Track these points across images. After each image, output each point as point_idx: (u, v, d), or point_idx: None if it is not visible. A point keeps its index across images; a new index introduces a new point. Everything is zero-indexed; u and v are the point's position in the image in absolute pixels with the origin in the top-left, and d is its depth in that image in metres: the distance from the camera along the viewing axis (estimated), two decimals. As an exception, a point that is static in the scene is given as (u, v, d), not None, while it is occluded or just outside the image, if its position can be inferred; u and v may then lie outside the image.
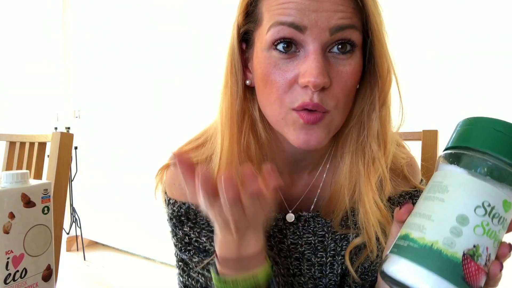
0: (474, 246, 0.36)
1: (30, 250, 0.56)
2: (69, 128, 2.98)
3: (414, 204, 0.41)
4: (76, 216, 2.95)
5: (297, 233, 0.60)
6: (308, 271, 0.60)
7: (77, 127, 3.09)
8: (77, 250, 3.04)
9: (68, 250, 3.10)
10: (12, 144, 1.14)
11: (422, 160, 0.84)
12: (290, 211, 0.60)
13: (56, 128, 2.99)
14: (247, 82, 0.55)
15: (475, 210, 0.36)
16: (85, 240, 3.05)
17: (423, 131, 0.86)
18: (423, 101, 1.72)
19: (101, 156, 3.02)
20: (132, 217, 2.81)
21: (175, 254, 0.63)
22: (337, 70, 0.48)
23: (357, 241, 0.58)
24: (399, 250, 0.38)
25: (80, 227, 2.96)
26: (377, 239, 0.55)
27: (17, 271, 0.54)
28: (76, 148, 2.88)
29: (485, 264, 0.36)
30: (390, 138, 0.55)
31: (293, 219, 0.60)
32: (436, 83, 1.70)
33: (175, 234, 0.62)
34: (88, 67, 3.08)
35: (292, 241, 0.60)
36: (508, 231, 0.38)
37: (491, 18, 1.58)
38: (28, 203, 0.55)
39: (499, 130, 0.36)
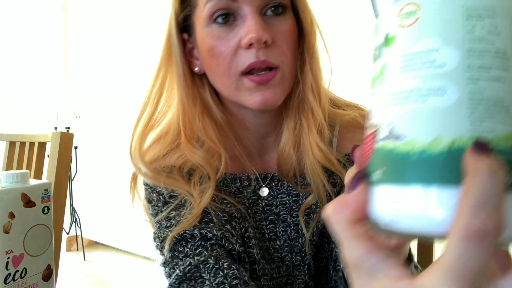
0: None
1: (30, 250, 0.56)
2: (69, 128, 2.98)
3: None
4: (76, 216, 2.95)
5: (271, 193, 0.61)
6: (283, 233, 0.60)
7: (77, 127, 3.09)
8: (77, 250, 3.04)
9: (68, 250, 3.10)
10: (12, 144, 1.14)
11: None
12: (263, 185, 0.62)
13: (56, 128, 2.99)
14: (196, 69, 0.59)
15: None
16: (85, 240, 3.05)
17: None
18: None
19: (101, 156, 3.02)
20: (132, 217, 2.81)
21: (157, 245, 0.57)
22: (276, 30, 0.53)
23: (309, 200, 0.59)
24: None
25: (80, 227, 2.96)
26: (329, 195, 0.57)
27: (17, 271, 0.54)
28: (76, 148, 2.88)
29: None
30: (323, 89, 0.60)
31: (266, 193, 0.62)
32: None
33: (157, 210, 0.58)
34: (88, 67, 3.08)
35: (266, 202, 0.61)
36: None
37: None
38: (28, 203, 0.55)
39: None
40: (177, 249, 0.54)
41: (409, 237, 0.23)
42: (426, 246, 0.81)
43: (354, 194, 0.23)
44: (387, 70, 0.24)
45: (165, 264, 0.55)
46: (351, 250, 0.22)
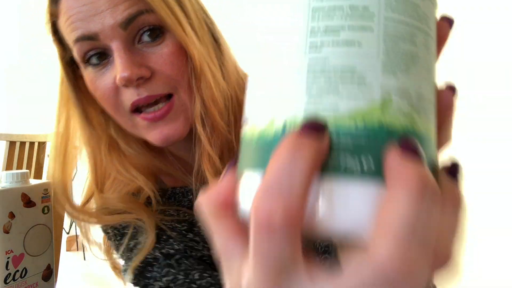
0: None
1: (30, 250, 0.56)
2: (69, 128, 2.98)
3: None
4: (76, 216, 2.95)
5: None
6: None
7: (77, 127, 3.09)
8: (77, 250, 3.04)
9: (68, 250, 3.10)
10: (12, 144, 1.15)
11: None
12: None
13: (56, 128, 2.99)
14: None
15: None
16: (85, 240, 3.05)
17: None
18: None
19: (101, 156, 3.02)
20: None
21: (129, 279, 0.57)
22: (156, 57, 0.46)
23: None
24: None
25: (80, 227, 2.95)
26: None
27: (17, 270, 0.54)
28: (76, 148, 2.88)
29: None
30: (222, 111, 0.50)
31: None
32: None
33: (117, 244, 0.57)
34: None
35: None
36: None
37: (492, 18, 1.58)
38: (28, 203, 0.55)
39: None
40: (146, 276, 0.52)
41: None
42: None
43: (221, 181, 0.20)
44: None
45: None
46: (216, 236, 0.20)
